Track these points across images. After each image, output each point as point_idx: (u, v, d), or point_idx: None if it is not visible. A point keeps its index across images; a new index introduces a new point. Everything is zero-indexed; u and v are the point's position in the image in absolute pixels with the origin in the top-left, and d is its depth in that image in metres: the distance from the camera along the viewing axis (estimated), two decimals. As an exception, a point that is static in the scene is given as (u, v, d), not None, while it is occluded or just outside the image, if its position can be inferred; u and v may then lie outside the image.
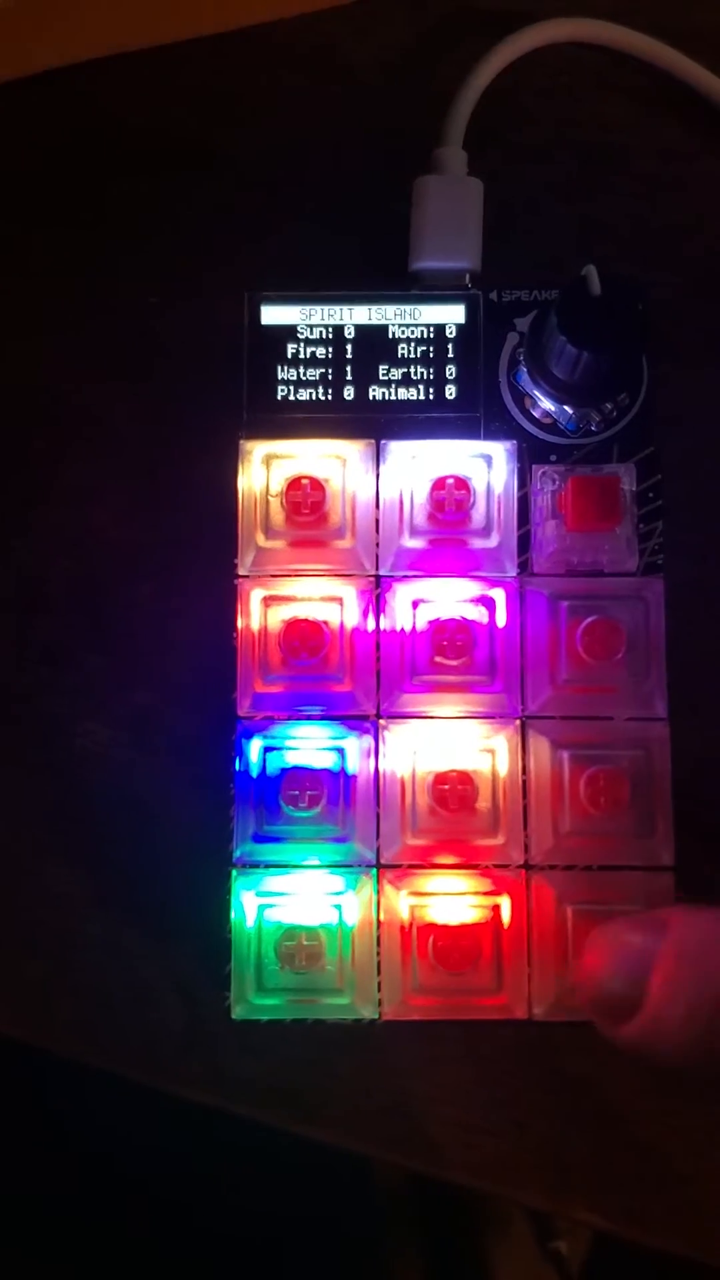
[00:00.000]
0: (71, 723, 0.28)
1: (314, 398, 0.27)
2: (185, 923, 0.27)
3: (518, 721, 0.25)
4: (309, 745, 0.26)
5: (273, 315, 0.27)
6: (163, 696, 0.28)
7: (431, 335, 0.27)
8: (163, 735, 0.28)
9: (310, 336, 0.27)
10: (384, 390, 0.27)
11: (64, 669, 0.28)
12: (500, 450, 0.26)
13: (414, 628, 0.26)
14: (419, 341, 0.27)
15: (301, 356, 0.27)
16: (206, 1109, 0.27)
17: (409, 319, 0.27)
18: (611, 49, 0.30)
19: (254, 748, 0.25)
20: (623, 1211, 0.27)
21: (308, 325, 0.27)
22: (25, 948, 0.28)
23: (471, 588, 0.26)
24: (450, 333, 0.27)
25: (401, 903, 0.25)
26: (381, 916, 0.25)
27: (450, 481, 0.26)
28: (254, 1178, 0.41)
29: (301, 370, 0.27)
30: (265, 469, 0.26)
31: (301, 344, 0.27)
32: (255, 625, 0.26)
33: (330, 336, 0.27)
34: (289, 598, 0.26)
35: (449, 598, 0.26)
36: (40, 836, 0.28)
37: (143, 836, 0.28)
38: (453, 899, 0.25)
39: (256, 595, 0.26)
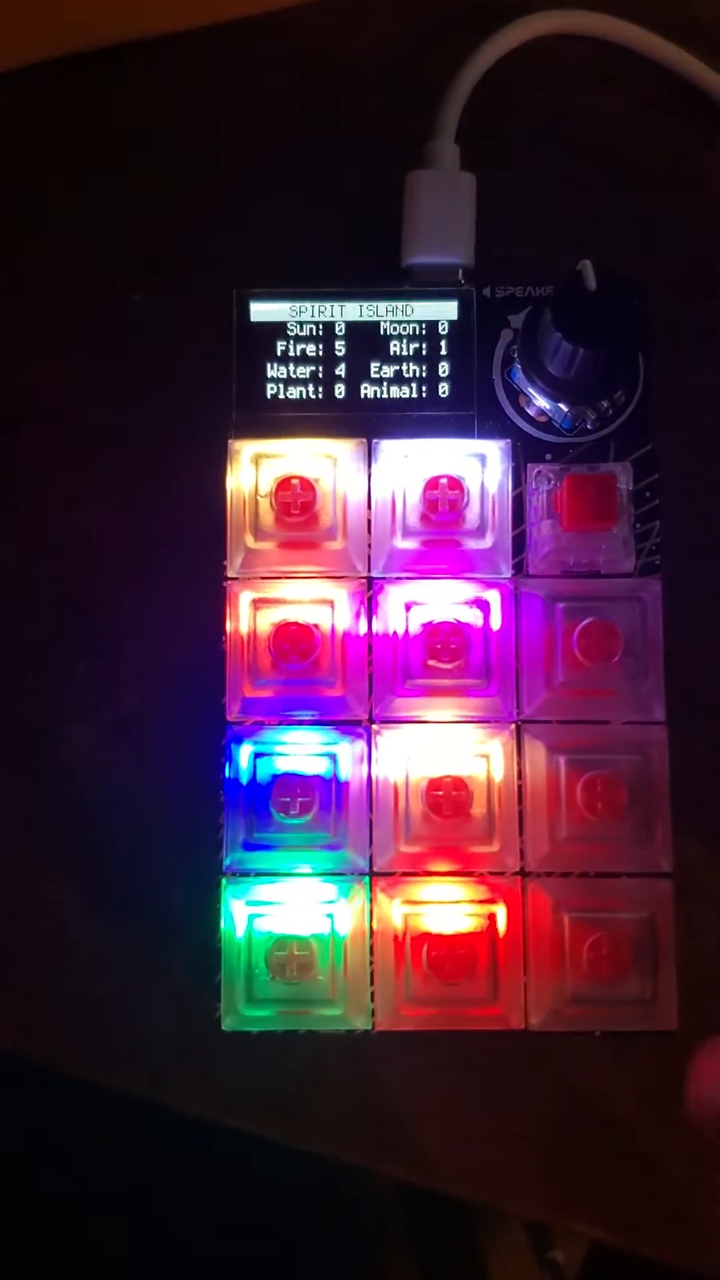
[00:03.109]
0: (58, 728, 0.28)
1: (304, 396, 0.26)
2: (175, 932, 0.26)
3: (513, 726, 0.25)
4: (300, 751, 0.25)
5: (262, 312, 0.26)
6: (151, 701, 0.27)
7: (424, 332, 0.26)
8: (151, 740, 0.27)
9: (300, 334, 0.26)
10: (376, 388, 0.26)
11: (51, 673, 0.28)
12: (495, 449, 0.26)
13: (407, 630, 0.25)
14: (411, 338, 0.26)
15: (291, 354, 0.26)
16: (197, 1120, 0.27)
17: (401, 315, 0.26)
18: (605, 41, 0.29)
19: (244, 753, 0.25)
20: (621, 1221, 0.26)
21: (298, 322, 0.26)
22: (12, 956, 0.27)
23: (465, 589, 0.25)
24: (443, 329, 0.26)
25: (395, 911, 0.25)
26: (374, 925, 0.24)
27: (444, 481, 0.25)
28: (245, 1188, 0.40)
29: (291, 368, 0.26)
30: (254, 469, 0.26)
31: (291, 341, 0.26)
32: (244, 628, 0.25)
33: (321, 333, 0.26)
34: (279, 600, 0.25)
35: (442, 600, 0.25)
36: (27, 843, 0.27)
37: (131, 844, 0.27)
38: (447, 907, 0.25)
39: (246, 598, 0.25)
